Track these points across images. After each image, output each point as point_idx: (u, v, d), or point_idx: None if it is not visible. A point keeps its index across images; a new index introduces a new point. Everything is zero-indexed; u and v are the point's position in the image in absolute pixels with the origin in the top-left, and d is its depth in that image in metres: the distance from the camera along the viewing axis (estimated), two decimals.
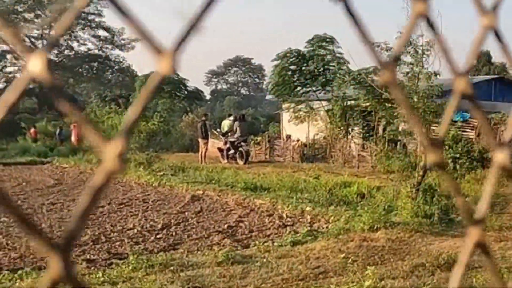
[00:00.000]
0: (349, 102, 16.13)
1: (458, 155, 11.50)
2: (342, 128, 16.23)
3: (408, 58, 7.58)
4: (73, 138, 21.75)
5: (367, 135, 15.69)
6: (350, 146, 15.32)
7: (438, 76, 7.74)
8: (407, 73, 7.62)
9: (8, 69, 47.83)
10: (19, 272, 4.70)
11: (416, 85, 7.46)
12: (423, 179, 7.17)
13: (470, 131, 13.22)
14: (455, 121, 13.15)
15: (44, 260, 5.19)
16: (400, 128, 13.02)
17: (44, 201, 8.92)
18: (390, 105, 12.21)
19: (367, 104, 14.84)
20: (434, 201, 6.82)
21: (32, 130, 24.72)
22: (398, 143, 14.05)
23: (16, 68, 48.48)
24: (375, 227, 5.95)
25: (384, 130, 14.78)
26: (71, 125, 22.49)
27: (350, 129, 16.35)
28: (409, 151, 12.99)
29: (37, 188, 10.50)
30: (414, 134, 10.84)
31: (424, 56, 7.50)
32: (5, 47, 46.29)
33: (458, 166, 11.33)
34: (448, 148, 11.62)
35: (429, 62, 7.56)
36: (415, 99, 7.36)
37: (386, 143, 14.12)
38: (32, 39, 47.30)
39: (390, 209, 6.92)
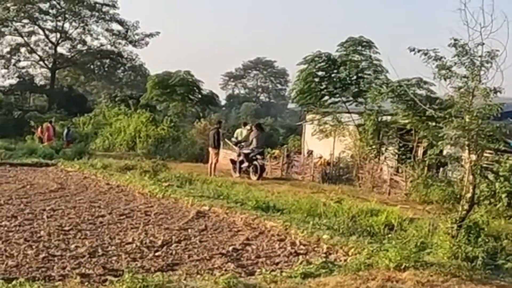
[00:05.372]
0: (384, 118, 15.66)
1: None
2: (374, 147, 15.74)
3: (462, 70, 7.07)
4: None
5: (403, 157, 15.19)
6: (381, 169, 14.93)
7: (498, 94, 7.16)
8: (460, 88, 7.12)
9: (22, 64, 49.22)
10: (13, 282, 4.79)
11: (470, 102, 6.94)
12: (468, 214, 6.76)
13: None
14: None
15: (40, 271, 5.40)
16: (445, 152, 12.47)
17: (45, 207, 9.35)
18: (434, 124, 11.69)
19: (406, 121, 14.38)
20: (480, 241, 6.35)
21: (39, 129, 26.00)
22: (441, 169, 13.51)
23: (29, 63, 49.80)
24: (402, 266, 5.64)
25: (424, 153, 14.29)
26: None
27: (383, 149, 15.87)
28: (453, 180, 12.49)
29: (40, 192, 11.11)
30: (462, 160, 10.32)
31: (483, 68, 6.99)
32: (19, 40, 47.72)
33: None
34: (504, 180, 11.03)
35: (488, 77, 7.00)
36: (467, 119, 6.90)
37: (426, 168, 13.63)
38: (47, 32, 48.46)
39: (423, 246, 6.54)
